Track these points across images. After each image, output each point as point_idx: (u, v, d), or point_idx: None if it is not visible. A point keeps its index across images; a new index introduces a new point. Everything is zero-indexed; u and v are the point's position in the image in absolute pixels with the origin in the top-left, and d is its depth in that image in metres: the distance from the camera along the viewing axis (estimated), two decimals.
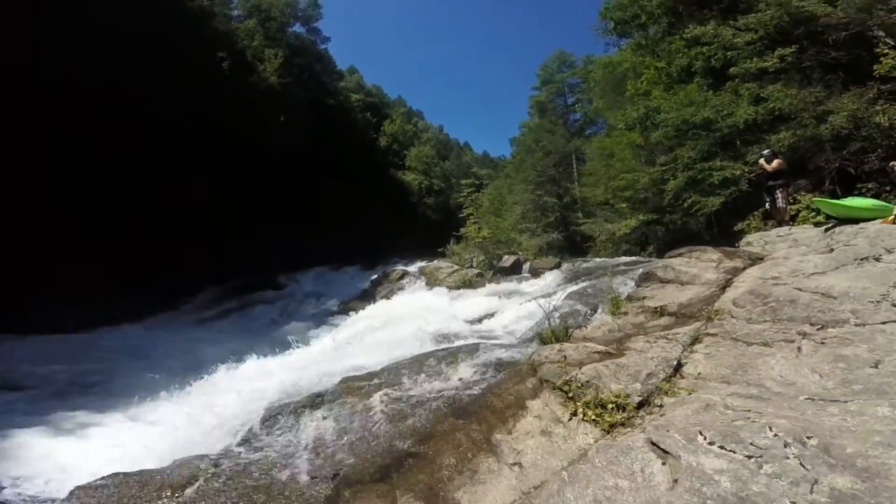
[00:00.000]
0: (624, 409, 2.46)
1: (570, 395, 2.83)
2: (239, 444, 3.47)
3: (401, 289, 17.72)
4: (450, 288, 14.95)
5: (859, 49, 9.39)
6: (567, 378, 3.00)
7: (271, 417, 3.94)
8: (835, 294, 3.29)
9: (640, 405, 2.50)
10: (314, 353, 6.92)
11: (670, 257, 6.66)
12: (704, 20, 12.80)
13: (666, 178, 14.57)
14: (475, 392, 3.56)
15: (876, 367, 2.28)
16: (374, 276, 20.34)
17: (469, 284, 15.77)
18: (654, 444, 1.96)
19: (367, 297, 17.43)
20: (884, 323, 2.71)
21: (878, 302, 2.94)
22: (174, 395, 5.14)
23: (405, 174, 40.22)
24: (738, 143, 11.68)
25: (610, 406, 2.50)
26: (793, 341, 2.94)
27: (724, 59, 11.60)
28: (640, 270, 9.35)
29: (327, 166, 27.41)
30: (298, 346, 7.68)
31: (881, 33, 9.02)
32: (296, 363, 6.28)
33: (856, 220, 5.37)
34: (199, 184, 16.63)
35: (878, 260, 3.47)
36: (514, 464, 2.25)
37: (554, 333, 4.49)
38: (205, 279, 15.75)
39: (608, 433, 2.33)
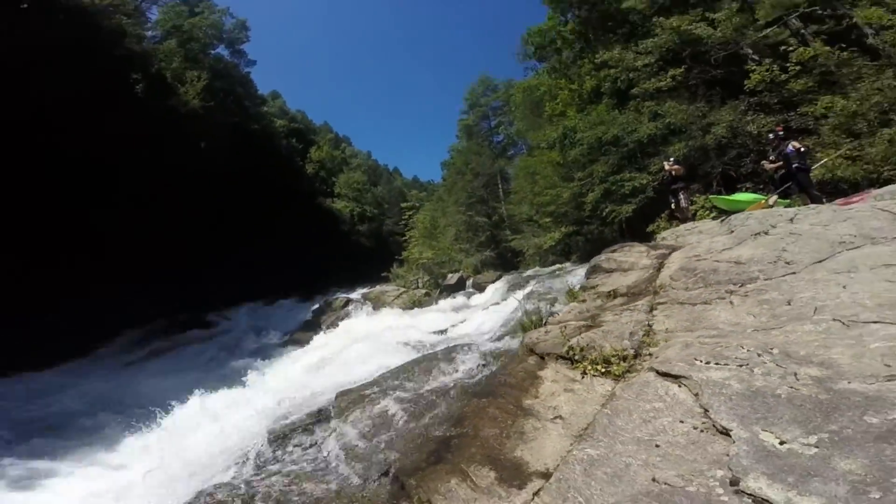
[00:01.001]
0: (625, 360, 2.99)
1: (575, 359, 3.33)
2: (256, 469, 3.38)
3: (347, 315, 17.39)
4: (402, 309, 15.10)
5: (734, 66, 11.75)
6: (567, 346, 3.51)
7: (278, 439, 3.86)
8: (744, 261, 4.24)
9: (636, 356, 3.07)
10: (286, 379, 6.66)
11: (605, 253, 7.66)
12: (610, 44, 14.97)
13: (584, 191, 16.44)
14: (481, 379, 3.89)
15: (789, 304, 3.09)
16: (315, 307, 19.73)
17: (419, 304, 16.09)
18: (664, 374, 2.49)
19: (312, 327, 16.84)
20: (783, 276, 3.62)
21: (774, 262, 3.90)
22: (145, 434, 4.68)
23: (335, 202, 39.40)
24: (641, 155, 13.72)
25: (613, 359, 3.03)
26: (724, 298, 3.75)
27: (627, 81, 13.66)
28: (576, 271, 10.44)
29: (252, 195, 25.96)
30: (263, 375, 7.35)
31: (750, 51, 11.40)
32: (270, 389, 6.04)
33: (742, 210, 6.80)
34: (104, 216, 14.91)
35: (766, 234, 4.54)
36: (555, 417, 2.64)
37: (532, 322, 5.04)
38: (117, 322, 13.99)
39: (620, 379, 2.84)
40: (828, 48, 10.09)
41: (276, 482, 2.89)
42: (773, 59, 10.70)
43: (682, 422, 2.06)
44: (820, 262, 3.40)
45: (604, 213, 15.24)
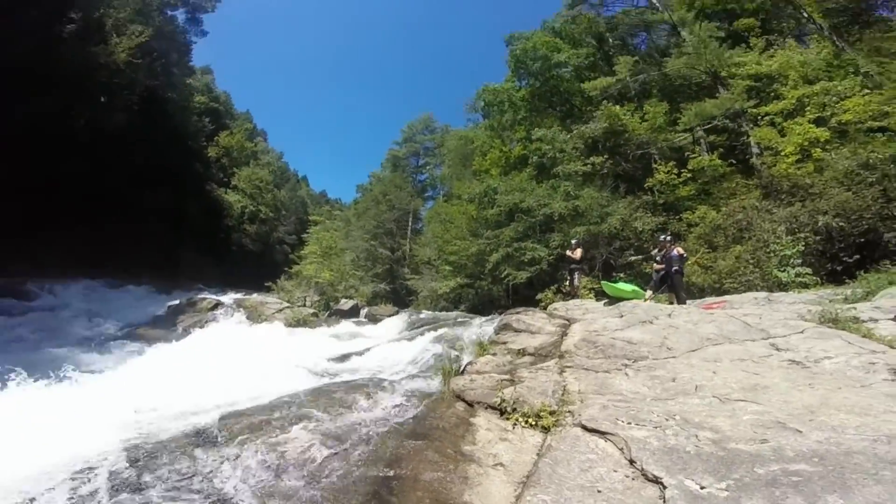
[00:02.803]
0: (552, 414, 3.28)
1: (506, 410, 3.52)
2: (114, 497, 2.68)
3: (214, 320, 15.27)
4: (285, 325, 13.81)
5: (642, 165, 14.10)
6: (498, 399, 3.69)
7: (143, 458, 3.15)
8: (635, 342, 5.07)
9: (557, 412, 3.38)
10: (138, 384, 5.45)
11: (512, 314, 8.27)
12: (549, 118, 17.01)
13: (488, 250, 17.77)
14: (408, 419, 3.79)
15: (674, 381, 3.79)
16: (175, 302, 16.92)
17: (304, 323, 14.94)
18: (592, 430, 2.81)
19: (165, 324, 14.35)
20: (666, 358, 4.43)
21: (659, 346, 4.75)
22: None
23: (228, 193, 35.25)
24: (545, 230, 15.46)
25: (543, 413, 3.29)
26: (621, 370, 4.41)
27: (552, 160, 15.55)
28: (475, 322, 10.97)
29: (132, 161, 22.03)
30: (100, 373, 5.97)
31: (655, 153, 13.82)
32: (116, 393, 4.89)
33: (620, 299, 8.12)
34: None
35: (651, 323, 5.54)
36: (496, 464, 2.72)
37: (453, 368, 5.16)
38: None
39: (548, 431, 3.09)
40: (720, 161, 12.60)
41: None
42: (675, 163, 13.10)
43: (615, 471, 2.34)
44: (693, 351, 4.26)
45: (502, 275, 16.54)
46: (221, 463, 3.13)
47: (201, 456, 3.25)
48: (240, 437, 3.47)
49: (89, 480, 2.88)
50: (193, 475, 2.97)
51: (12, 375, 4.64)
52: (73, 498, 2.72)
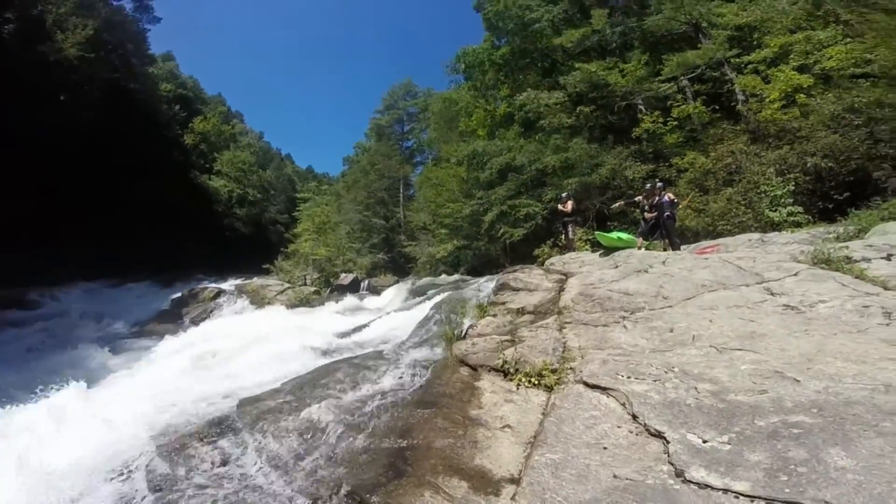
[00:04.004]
0: (554, 372, 3.39)
1: (509, 371, 3.63)
2: (153, 489, 2.81)
3: (218, 308, 15.49)
4: (287, 306, 13.99)
5: (628, 116, 13.86)
6: (500, 361, 3.80)
7: (174, 452, 3.28)
8: (631, 293, 5.15)
9: (559, 369, 3.49)
10: (156, 380, 5.61)
11: (509, 273, 8.36)
12: (530, 75, 16.45)
13: (482, 210, 17.69)
14: (415, 388, 3.92)
15: (671, 331, 3.89)
16: (177, 295, 17.04)
17: (307, 302, 15.15)
18: (594, 386, 2.91)
19: (171, 318, 14.57)
20: (662, 308, 4.53)
21: (655, 296, 4.84)
22: None
23: (212, 179, 34.44)
24: (537, 185, 15.33)
25: (545, 372, 3.40)
26: (619, 322, 4.51)
27: (536, 114, 15.21)
28: (475, 284, 11.10)
29: (110, 159, 21.41)
30: (116, 374, 6.12)
31: (641, 105, 13.60)
32: (136, 391, 5.04)
33: (616, 248, 8.17)
34: None
35: (646, 272, 5.60)
36: (504, 426, 2.84)
37: (455, 334, 5.26)
38: None
39: (551, 390, 3.20)
40: (704, 108, 12.66)
41: None
42: (660, 113, 13.06)
43: (619, 427, 2.45)
44: (689, 299, 4.34)
45: (497, 234, 16.58)
46: (245, 449, 3.27)
47: (226, 445, 3.39)
48: (259, 423, 3.60)
49: (128, 479, 3.03)
50: (223, 464, 3.12)
51: (37, 385, 4.75)
52: (117, 496, 2.87)
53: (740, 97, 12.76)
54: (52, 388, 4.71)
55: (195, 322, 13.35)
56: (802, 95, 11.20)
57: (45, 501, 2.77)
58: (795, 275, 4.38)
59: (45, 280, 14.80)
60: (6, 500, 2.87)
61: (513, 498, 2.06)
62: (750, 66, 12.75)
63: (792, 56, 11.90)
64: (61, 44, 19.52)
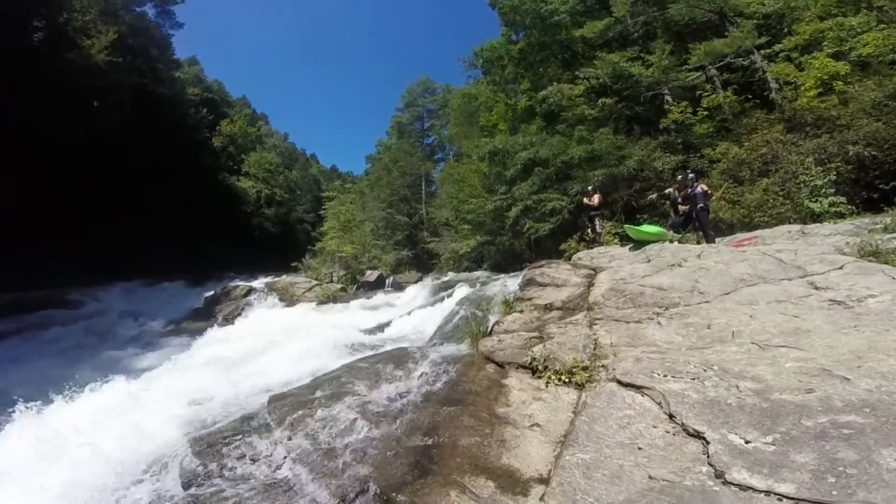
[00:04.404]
0: (585, 370, 3.29)
1: (537, 369, 3.55)
2: (187, 485, 2.90)
3: (249, 306, 15.98)
4: (316, 303, 14.30)
5: (655, 106, 13.47)
6: (529, 358, 3.72)
7: (206, 449, 3.38)
8: (665, 287, 4.96)
9: (591, 367, 3.39)
10: (190, 377, 5.81)
11: (535, 268, 8.22)
12: (550, 67, 16.17)
13: (507, 206, 17.50)
14: (442, 386, 3.90)
15: (709, 328, 3.71)
16: (210, 294, 17.72)
17: (334, 299, 15.43)
18: (628, 384, 2.81)
19: (204, 316, 15.13)
20: (699, 303, 4.33)
21: (690, 291, 4.63)
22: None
23: (240, 180, 35.63)
24: (563, 178, 15.03)
25: (575, 370, 3.31)
26: (652, 318, 4.34)
27: (559, 106, 14.94)
28: (501, 281, 10.98)
29: (142, 162, 22.42)
30: (153, 370, 6.40)
31: (668, 94, 13.19)
32: (171, 388, 5.23)
33: (646, 242, 7.89)
34: None
35: (680, 266, 5.38)
36: (532, 425, 2.78)
37: (480, 330, 5.21)
38: None
39: (582, 388, 3.11)
40: (735, 97, 12.19)
41: (225, 502, 2.53)
42: (688, 103, 12.65)
43: (655, 427, 2.34)
44: (727, 294, 4.13)
45: (523, 229, 16.37)
46: (276, 446, 3.33)
47: (256, 441, 3.46)
48: (288, 419, 3.66)
49: (164, 474, 3.14)
50: (253, 461, 3.19)
51: (80, 381, 5.02)
52: (153, 491, 2.99)
53: (773, 85, 12.22)
54: (93, 383, 4.98)
55: (228, 319, 13.84)
56: (840, 83, 10.66)
57: (85, 498, 2.90)
58: (841, 268, 4.09)
59: (86, 281, 15.68)
60: (48, 497, 3.02)
61: (542, 498, 2.00)
62: (781, 55, 12.25)
63: (825, 43, 11.37)
64: (89, 50, 20.30)
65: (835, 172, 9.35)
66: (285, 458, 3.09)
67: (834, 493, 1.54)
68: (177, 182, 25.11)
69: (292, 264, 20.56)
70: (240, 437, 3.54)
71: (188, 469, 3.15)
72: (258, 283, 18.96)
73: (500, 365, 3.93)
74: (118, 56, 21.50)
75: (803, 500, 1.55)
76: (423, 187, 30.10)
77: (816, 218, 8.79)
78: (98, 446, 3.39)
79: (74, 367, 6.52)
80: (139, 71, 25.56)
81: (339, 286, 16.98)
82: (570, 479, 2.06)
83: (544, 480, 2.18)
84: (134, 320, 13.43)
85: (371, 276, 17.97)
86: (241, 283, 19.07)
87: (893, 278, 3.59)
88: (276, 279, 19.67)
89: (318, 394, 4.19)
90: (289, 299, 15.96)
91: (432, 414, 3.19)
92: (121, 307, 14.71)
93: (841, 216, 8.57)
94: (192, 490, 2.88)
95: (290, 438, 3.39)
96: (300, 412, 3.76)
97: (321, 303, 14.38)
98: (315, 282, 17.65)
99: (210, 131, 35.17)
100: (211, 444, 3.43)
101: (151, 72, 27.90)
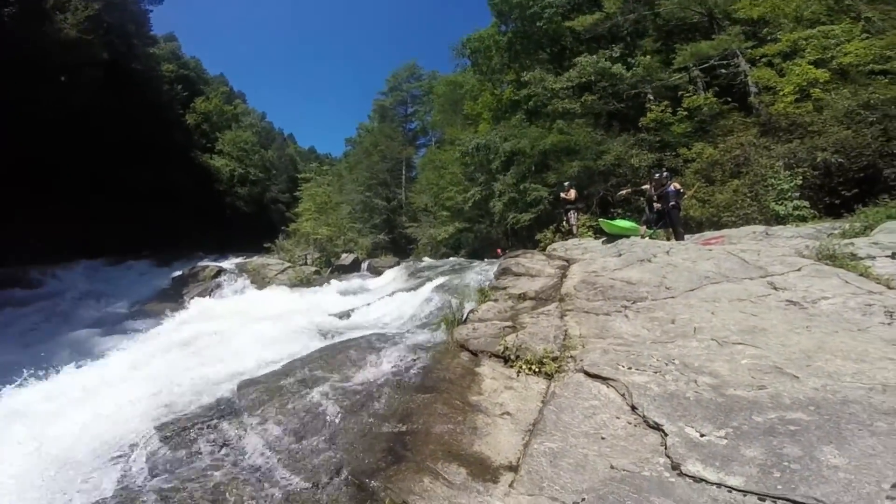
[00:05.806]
0: (555, 360, 3.40)
1: (510, 358, 3.64)
2: (153, 473, 2.83)
3: (218, 287, 15.53)
4: (288, 286, 14.02)
5: (636, 104, 13.73)
6: (502, 347, 3.80)
7: (174, 435, 3.31)
8: (634, 282, 5.13)
9: (562, 357, 3.50)
10: (154, 361, 5.64)
11: (511, 258, 8.32)
12: (537, 60, 16.21)
13: (485, 196, 17.61)
14: (415, 372, 3.93)
15: (673, 322, 3.88)
16: (177, 274, 17.09)
17: (308, 282, 15.19)
18: (594, 376, 2.92)
19: (171, 297, 14.61)
20: (665, 298, 4.51)
21: (658, 286, 4.81)
22: None
23: (213, 158, 34.21)
24: (538, 168, 15.24)
25: (545, 360, 3.41)
26: (620, 311, 4.49)
27: (543, 101, 15.04)
28: (476, 268, 11.07)
29: (110, 137, 21.27)
30: (117, 353, 6.18)
31: (650, 94, 13.45)
32: (136, 372, 5.08)
33: (619, 236, 8.12)
34: None
35: (649, 261, 5.57)
36: (503, 413, 2.86)
37: (455, 317, 5.27)
38: None
39: (551, 378, 3.22)
40: (715, 99, 12.53)
41: (195, 489, 2.49)
42: (669, 103, 12.95)
43: (618, 418, 2.46)
44: (692, 290, 4.32)
45: (507, 220, 16.55)
46: (246, 432, 3.30)
47: (226, 427, 3.41)
48: (259, 406, 3.62)
49: (128, 463, 3.05)
50: (223, 447, 3.15)
51: (37, 365, 4.79)
52: (116, 482, 2.90)
53: (753, 89, 12.61)
54: (51, 368, 4.75)
55: (196, 301, 13.41)
56: (817, 90, 11.10)
57: (44, 487, 2.80)
58: (799, 270, 4.34)
59: (46, 259, 14.83)
60: (5, 487, 2.90)
61: (511, 485, 2.08)
62: (764, 59, 12.61)
63: (808, 50, 11.76)
64: (60, 24, 19.08)
65: (801, 177, 9.81)
66: (256, 443, 3.07)
67: (779, 487, 1.66)
68: (147, 159, 23.95)
69: (265, 245, 20.04)
70: (209, 423, 3.48)
71: (156, 457, 3.08)
72: (229, 263, 18.41)
73: (474, 353, 4.00)
74: (91, 32, 20.19)
75: (750, 492, 1.67)
76: (404, 172, 29.76)
77: (781, 220, 9.25)
78: (55, 434, 3.26)
79: (29, 352, 6.17)
80: (113, 47, 24.30)
81: (314, 269, 16.71)
82: (537, 467, 2.14)
83: (513, 468, 2.26)
84: (96, 300, 12.80)
85: (346, 259, 17.74)
86: (210, 263, 18.47)
87: (846, 282, 3.84)
88: (248, 260, 19.13)
89: (290, 379, 4.15)
90: (260, 281, 15.60)
91: (406, 401, 3.23)
92: (83, 287, 13.98)
93: (803, 220, 9.05)
94: (160, 478, 2.82)
95: (261, 424, 3.36)
96: (271, 398, 3.73)
97: (294, 285, 14.13)
98: (288, 264, 17.29)
99: (184, 109, 33.72)
100: (179, 431, 3.36)
101: (126, 48, 26.51)
